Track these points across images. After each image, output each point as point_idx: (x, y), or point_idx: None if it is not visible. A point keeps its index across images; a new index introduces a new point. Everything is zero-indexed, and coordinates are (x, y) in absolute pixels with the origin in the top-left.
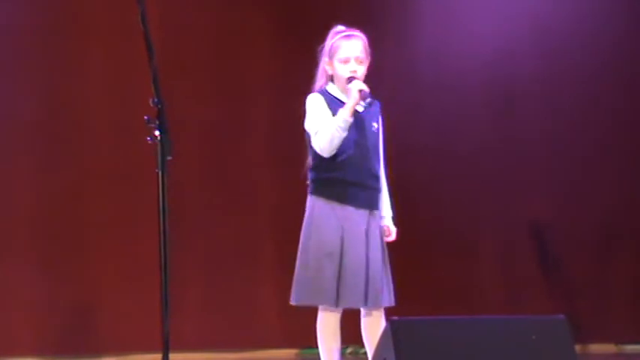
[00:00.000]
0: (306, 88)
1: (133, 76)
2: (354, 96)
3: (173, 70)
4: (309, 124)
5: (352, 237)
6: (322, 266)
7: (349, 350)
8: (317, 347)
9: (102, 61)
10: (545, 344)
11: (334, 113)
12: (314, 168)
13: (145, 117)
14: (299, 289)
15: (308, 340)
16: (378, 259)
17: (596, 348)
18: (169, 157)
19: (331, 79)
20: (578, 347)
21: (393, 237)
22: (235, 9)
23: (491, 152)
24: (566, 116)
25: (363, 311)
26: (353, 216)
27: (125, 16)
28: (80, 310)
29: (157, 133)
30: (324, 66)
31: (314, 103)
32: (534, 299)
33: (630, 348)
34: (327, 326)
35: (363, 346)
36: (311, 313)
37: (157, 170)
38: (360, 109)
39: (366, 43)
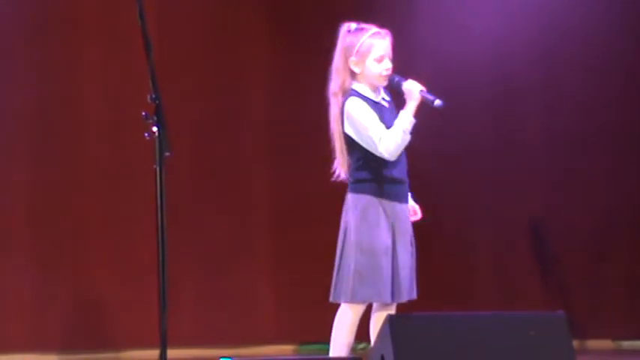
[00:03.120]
0: (302, 84)
1: (131, 72)
2: (415, 97)
3: (169, 67)
4: (364, 132)
5: (401, 233)
6: (379, 264)
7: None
8: (314, 343)
9: (99, 56)
10: (543, 340)
11: None
12: (360, 168)
13: (143, 113)
14: (356, 287)
15: (305, 336)
16: (415, 252)
17: (593, 344)
18: (167, 153)
19: (353, 77)
20: (575, 343)
21: (419, 215)
22: (232, 5)
23: (489, 150)
24: (564, 115)
25: (375, 306)
26: (400, 212)
27: (123, 12)
28: (77, 306)
29: (154, 129)
30: (348, 65)
31: (362, 109)
32: (531, 296)
33: (627, 344)
34: (349, 321)
35: (364, 341)
36: (308, 310)
37: (154, 166)
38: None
39: None
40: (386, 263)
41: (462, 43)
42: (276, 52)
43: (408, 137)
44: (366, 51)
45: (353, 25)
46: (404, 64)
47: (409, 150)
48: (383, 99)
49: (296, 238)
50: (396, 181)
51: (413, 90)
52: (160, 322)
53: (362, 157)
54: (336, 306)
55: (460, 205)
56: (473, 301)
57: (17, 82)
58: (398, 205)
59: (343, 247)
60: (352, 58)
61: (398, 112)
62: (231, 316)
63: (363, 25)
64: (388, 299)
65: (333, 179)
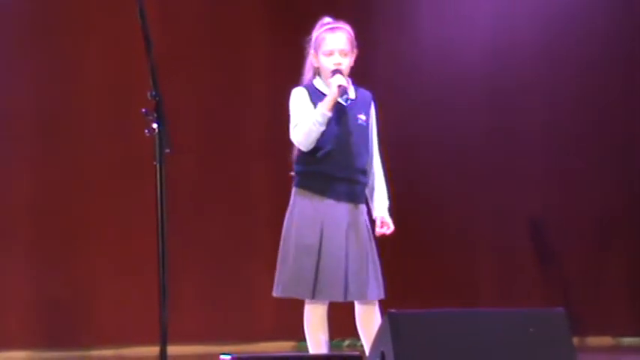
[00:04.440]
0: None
1: (131, 68)
2: (332, 91)
3: (169, 62)
4: (290, 118)
5: (331, 231)
6: (300, 259)
7: (347, 343)
8: None
9: (99, 53)
10: (543, 337)
11: None
12: (297, 161)
13: (143, 110)
14: (279, 281)
15: (304, 333)
16: (363, 252)
17: (593, 341)
18: (168, 150)
19: (318, 72)
20: (575, 340)
21: (391, 228)
22: (231, 1)
23: (490, 146)
24: (564, 111)
25: (356, 304)
26: (333, 210)
27: (123, 8)
28: (77, 303)
29: (154, 125)
30: (310, 58)
31: (296, 97)
32: (531, 292)
33: (627, 341)
34: (313, 318)
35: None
36: None
37: (154, 163)
38: (342, 102)
39: (352, 35)
40: (306, 261)
41: (463, 38)
42: (278, 45)
43: (317, 128)
44: (318, 45)
45: (325, 20)
46: (405, 59)
47: (409, 143)
48: (347, 98)
49: None
50: (329, 178)
51: (333, 84)
52: (161, 318)
53: (298, 149)
54: (339, 304)
55: (461, 200)
56: (473, 298)
57: (18, 80)
58: (333, 203)
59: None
60: (311, 51)
61: (362, 114)
62: (231, 312)
63: (331, 21)
64: (308, 296)
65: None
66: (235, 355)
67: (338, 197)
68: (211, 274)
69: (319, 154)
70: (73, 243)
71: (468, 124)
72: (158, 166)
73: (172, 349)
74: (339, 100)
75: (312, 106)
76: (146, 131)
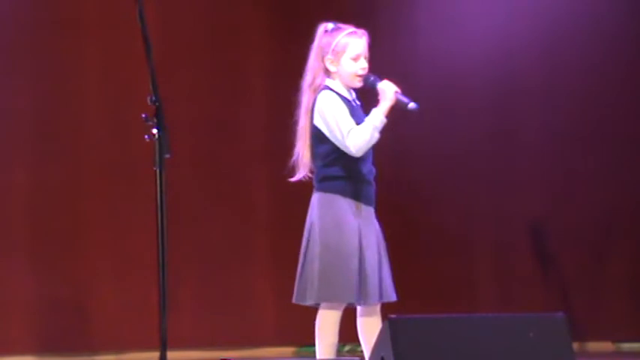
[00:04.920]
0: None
1: (131, 73)
2: (389, 97)
3: (168, 64)
4: (333, 124)
5: (368, 235)
6: (346, 265)
7: (347, 348)
8: (314, 345)
9: (99, 57)
10: (543, 342)
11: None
12: (330, 164)
13: (143, 115)
14: (322, 287)
15: (305, 338)
16: (385, 254)
17: (593, 346)
18: (167, 155)
19: (327, 75)
20: (575, 345)
21: None
22: (231, 2)
23: (490, 147)
24: (563, 114)
25: (360, 310)
26: (365, 213)
27: (123, 11)
28: (76, 308)
29: (154, 131)
30: (324, 64)
31: (335, 102)
32: (530, 297)
33: (627, 346)
34: (330, 324)
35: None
36: (308, 311)
37: (154, 168)
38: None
39: None
40: (353, 264)
41: (460, 41)
42: (276, 49)
43: (377, 135)
44: (341, 50)
45: (330, 25)
46: (404, 62)
47: (407, 148)
48: (354, 100)
49: (296, 238)
50: (361, 181)
51: (387, 90)
52: (160, 323)
53: (331, 152)
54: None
55: (459, 204)
56: (473, 303)
57: (17, 81)
58: (364, 207)
59: (307, 247)
60: (328, 57)
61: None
62: (230, 317)
63: (340, 25)
64: (353, 300)
65: (291, 180)
66: None
67: (367, 200)
68: (211, 278)
69: (352, 158)
70: (72, 248)
71: (468, 126)
72: (158, 171)
73: (172, 355)
74: (410, 106)
75: (347, 109)
76: (146, 137)
